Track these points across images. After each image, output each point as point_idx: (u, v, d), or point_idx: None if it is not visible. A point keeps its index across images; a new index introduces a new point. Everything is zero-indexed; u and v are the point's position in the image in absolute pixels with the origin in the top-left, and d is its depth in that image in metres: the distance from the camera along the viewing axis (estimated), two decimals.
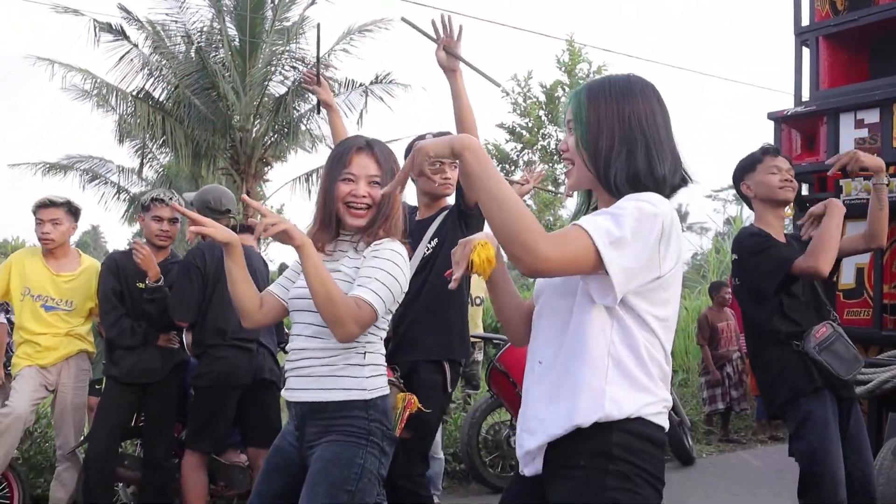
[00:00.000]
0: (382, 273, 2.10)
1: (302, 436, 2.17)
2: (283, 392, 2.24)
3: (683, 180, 1.59)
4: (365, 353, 2.15)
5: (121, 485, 3.99)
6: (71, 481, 3.89)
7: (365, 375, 2.13)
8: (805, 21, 4.11)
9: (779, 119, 4.01)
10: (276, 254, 18.68)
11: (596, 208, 1.65)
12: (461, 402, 6.92)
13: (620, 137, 1.53)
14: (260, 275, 3.80)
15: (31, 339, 3.92)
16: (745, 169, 3.08)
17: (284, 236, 1.97)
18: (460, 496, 5.02)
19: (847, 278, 3.90)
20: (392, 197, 2.20)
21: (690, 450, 5.94)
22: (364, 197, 2.17)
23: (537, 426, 1.55)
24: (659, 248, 1.44)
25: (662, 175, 1.53)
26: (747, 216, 15.90)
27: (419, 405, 2.48)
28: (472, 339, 6.75)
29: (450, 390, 3.05)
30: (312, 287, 1.98)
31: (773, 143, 3.34)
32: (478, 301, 7.15)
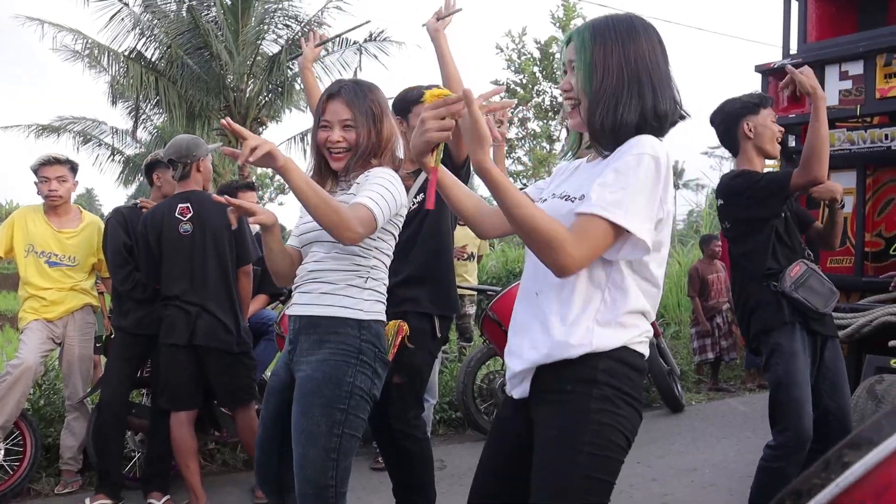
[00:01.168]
0: (376, 186, 2.17)
1: (294, 349, 2.27)
2: (288, 309, 2.35)
3: (681, 116, 1.65)
4: (367, 277, 2.24)
5: (129, 432, 4.13)
6: (80, 430, 4.04)
7: (364, 298, 2.22)
8: None
9: (766, 71, 4.08)
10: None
11: (587, 147, 1.72)
12: (456, 354, 7.08)
13: (628, 79, 1.57)
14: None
15: (36, 293, 4.03)
16: (749, 108, 3.06)
17: (268, 158, 1.93)
18: (457, 442, 5.20)
19: None
20: (376, 134, 2.28)
21: (680, 397, 6.11)
22: (339, 141, 2.27)
23: (527, 351, 1.64)
24: (660, 192, 1.52)
25: (665, 113, 1.59)
26: None
27: (408, 332, 2.57)
28: (465, 292, 6.91)
29: (439, 336, 3.14)
30: (306, 199, 1.97)
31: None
32: (465, 256, 7.26)
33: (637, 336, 1.61)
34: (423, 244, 3.09)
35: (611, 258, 1.57)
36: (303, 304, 2.26)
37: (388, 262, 2.35)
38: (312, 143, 2.35)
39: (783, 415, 2.87)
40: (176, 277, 3.61)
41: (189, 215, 3.62)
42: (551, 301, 1.61)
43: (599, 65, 1.57)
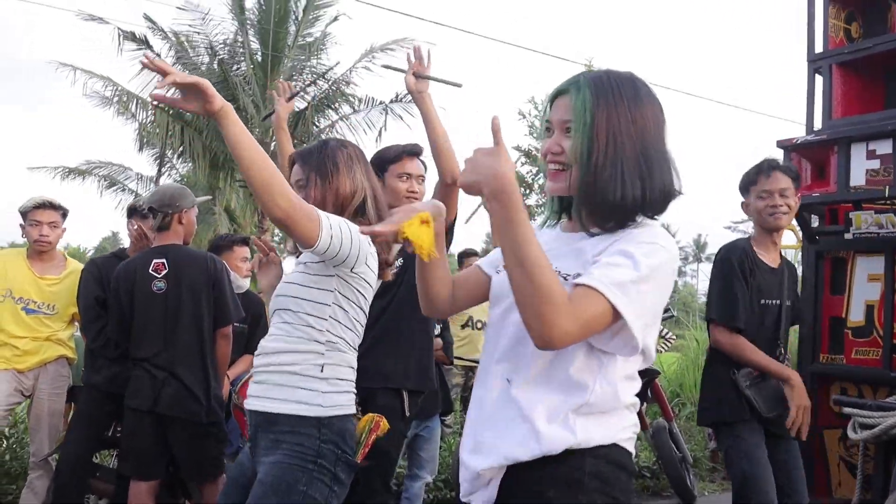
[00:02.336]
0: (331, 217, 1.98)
1: (254, 447, 2.07)
2: (245, 402, 2.14)
3: (679, 192, 1.46)
4: (322, 365, 2.02)
5: (92, 497, 3.88)
6: (42, 489, 3.80)
7: (322, 390, 2.00)
8: (819, 48, 3.98)
9: (788, 147, 3.87)
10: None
11: (568, 215, 1.52)
12: (458, 427, 6.77)
13: (634, 150, 1.37)
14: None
15: (9, 341, 3.85)
16: (743, 187, 3.10)
17: (199, 92, 1.69)
18: None
19: (856, 315, 3.73)
20: (330, 190, 2.13)
21: (692, 487, 5.74)
22: None
23: (493, 446, 1.41)
24: (666, 292, 1.38)
25: (669, 190, 1.42)
26: None
27: (386, 429, 2.32)
28: (472, 364, 6.64)
29: (408, 415, 2.90)
30: (241, 149, 1.74)
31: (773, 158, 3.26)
32: (479, 325, 7.02)
33: (626, 429, 1.42)
34: (397, 310, 2.88)
35: (596, 345, 1.36)
36: (258, 396, 2.05)
37: (354, 340, 2.13)
38: None
39: None
40: (146, 338, 3.37)
41: (164, 272, 3.38)
42: (529, 388, 1.40)
43: (603, 131, 1.36)
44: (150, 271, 3.39)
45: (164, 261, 3.40)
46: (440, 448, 5.52)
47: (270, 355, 2.06)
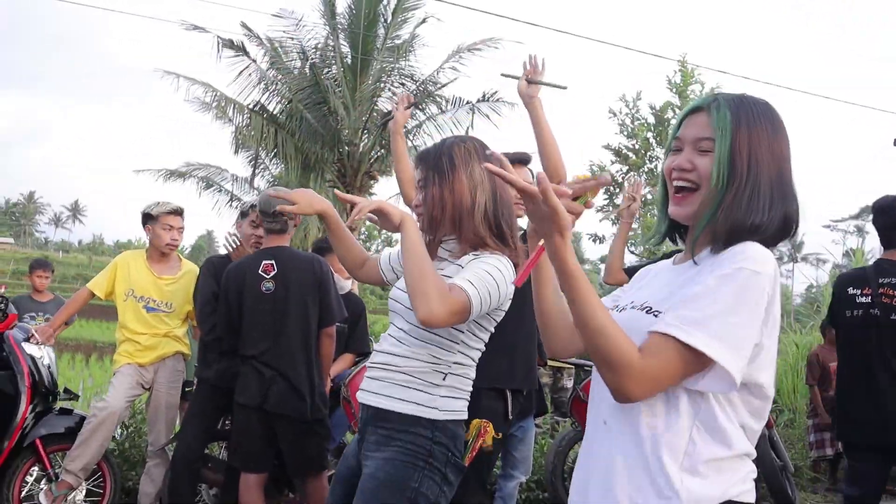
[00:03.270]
0: (482, 273, 1.95)
1: (362, 440, 2.09)
2: (358, 392, 2.17)
3: (797, 223, 1.38)
4: (446, 374, 2.02)
5: (204, 486, 4.07)
6: (159, 477, 4.00)
7: (440, 395, 2.01)
8: None
9: None
10: None
11: (681, 241, 1.47)
12: (549, 428, 6.75)
13: (772, 177, 1.31)
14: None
15: (132, 337, 4.07)
16: None
17: (382, 216, 1.93)
18: None
19: None
20: (449, 192, 2.04)
21: (794, 498, 5.54)
22: (417, 205, 2.13)
23: (599, 498, 1.35)
24: (760, 313, 1.25)
25: (792, 219, 1.34)
26: (870, 249, 14.91)
27: (494, 435, 2.34)
28: (563, 364, 6.60)
29: (510, 418, 2.91)
30: (407, 258, 1.89)
31: None
32: None
33: (741, 481, 1.30)
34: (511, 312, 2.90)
35: (690, 387, 1.27)
36: (372, 391, 2.07)
37: (478, 355, 2.13)
38: None
39: None
40: (255, 337, 3.51)
41: (273, 273, 3.51)
42: (626, 435, 1.32)
43: (744, 152, 1.30)
44: (259, 272, 3.52)
45: (273, 262, 3.53)
46: (535, 449, 5.53)
47: (392, 356, 2.05)
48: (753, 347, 1.25)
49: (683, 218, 1.38)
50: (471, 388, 2.12)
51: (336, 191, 1.82)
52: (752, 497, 1.32)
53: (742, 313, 1.22)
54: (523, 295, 2.92)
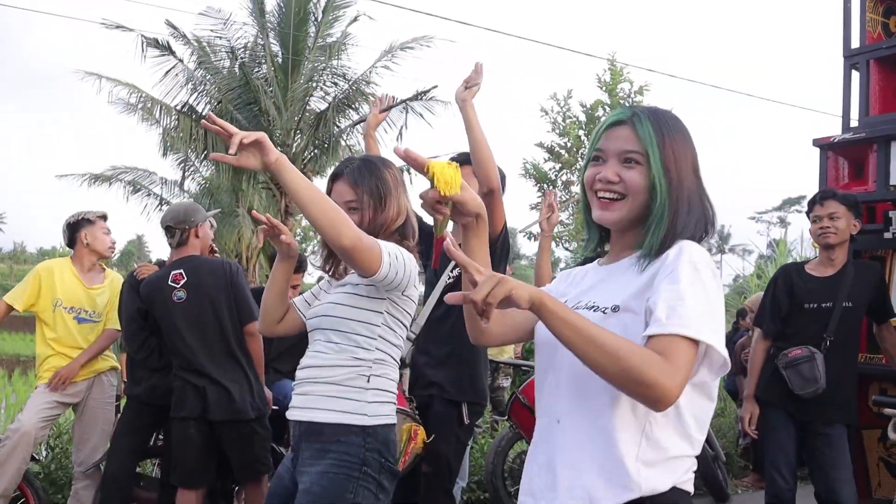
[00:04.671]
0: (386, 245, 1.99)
1: (297, 457, 2.10)
2: (287, 412, 2.18)
3: (714, 223, 1.49)
4: (369, 376, 2.06)
5: None
6: (88, 499, 3.86)
7: (367, 400, 2.04)
8: (855, 43, 3.92)
9: (825, 146, 3.83)
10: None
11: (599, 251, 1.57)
12: (488, 427, 6.77)
13: (696, 186, 1.44)
14: None
15: (63, 351, 3.90)
16: (808, 212, 3.51)
17: (259, 148, 1.73)
18: None
19: None
20: (382, 213, 2.15)
21: (725, 486, 5.70)
22: None
23: (562, 495, 1.38)
24: (722, 302, 1.37)
25: (713, 223, 1.47)
26: (792, 239, 15.47)
27: (424, 438, 2.35)
28: (501, 364, 6.65)
29: (467, 423, 2.92)
30: (300, 194, 1.77)
31: (826, 187, 3.78)
32: None
33: (686, 471, 1.37)
34: (455, 324, 2.91)
35: (694, 380, 1.35)
36: (303, 407, 2.09)
37: (397, 354, 2.16)
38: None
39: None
40: (177, 348, 3.48)
41: (182, 282, 3.51)
42: (583, 432, 1.36)
43: (671, 163, 1.40)
44: (169, 283, 3.51)
45: (181, 271, 3.53)
46: (472, 450, 5.54)
47: (313, 369, 2.09)
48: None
49: (610, 223, 1.46)
50: (395, 393, 2.14)
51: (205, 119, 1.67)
52: (691, 487, 1.40)
53: (715, 304, 1.32)
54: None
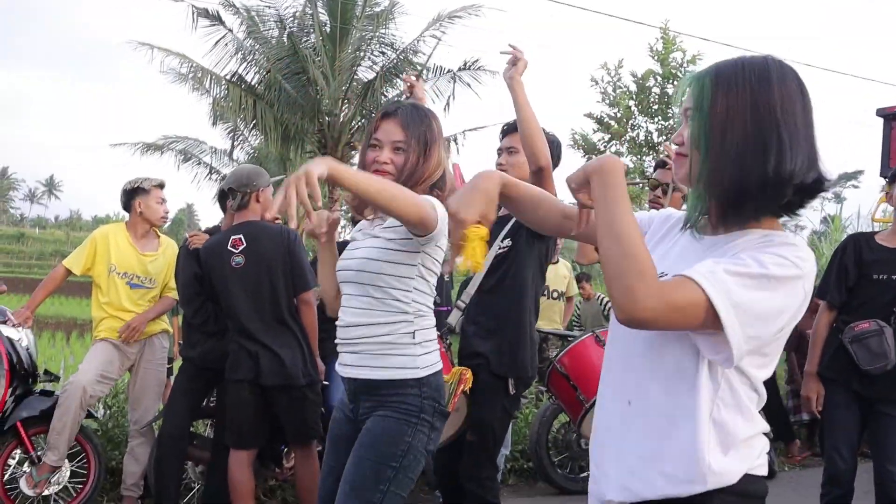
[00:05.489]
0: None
1: (356, 409, 2.19)
2: (336, 365, 2.25)
3: (819, 182, 1.30)
4: (414, 331, 2.12)
5: (190, 463, 4.07)
6: (143, 456, 3.99)
7: (416, 354, 2.12)
8: None
9: (889, 116, 3.70)
10: None
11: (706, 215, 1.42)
12: (533, 398, 6.79)
13: (753, 132, 1.27)
14: None
15: (116, 314, 4.01)
16: (891, 177, 3.45)
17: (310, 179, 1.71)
18: (526, 495, 4.92)
19: None
20: (424, 162, 2.16)
21: (772, 462, 5.64)
22: (386, 163, 2.15)
23: (625, 479, 1.36)
24: (788, 322, 1.25)
25: (791, 171, 1.26)
26: (847, 215, 15.01)
27: (471, 380, 2.39)
28: (548, 334, 6.61)
29: (512, 392, 2.94)
30: (365, 191, 1.83)
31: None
32: (555, 295, 6.98)
33: (758, 456, 1.34)
34: (504, 295, 2.96)
35: (701, 348, 1.28)
36: (355, 366, 2.15)
37: (431, 302, 2.21)
38: (360, 161, 2.24)
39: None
40: (233, 312, 3.52)
41: (241, 247, 3.51)
42: (649, 419, 1.34)
43: (721, 115, 1.29)
44: (228, 247, 3.53)
45: (241, 236, 3.53)
46: (517, 419, 5.57)
47: (360, 328, 2.14)
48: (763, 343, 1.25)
49: (681, 180, 1.39)
50: (436, 339, 2.21)
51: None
52: (765, 470, 1.35)
53: (773, 297, 1.22)
54: (521, 277, 2.96)
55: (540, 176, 2.79)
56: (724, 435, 1.30)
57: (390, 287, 2.10)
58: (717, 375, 1.30)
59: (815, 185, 1.30)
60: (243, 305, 3.49)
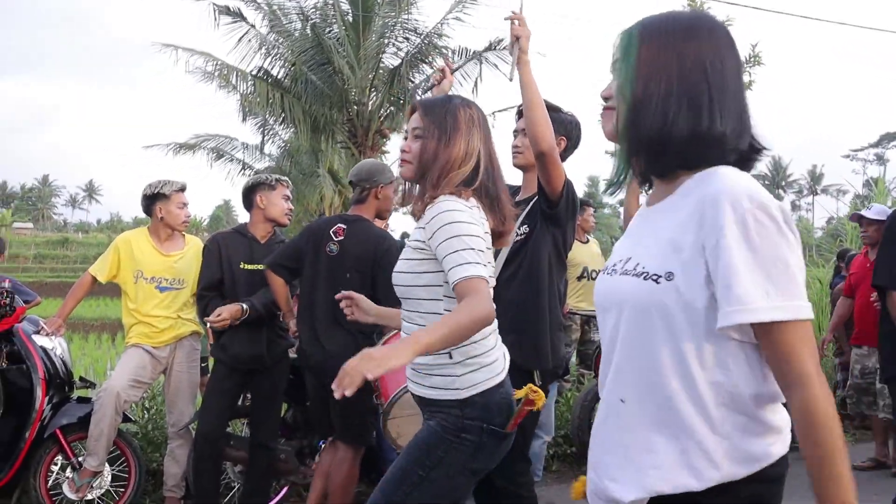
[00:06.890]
0: (453, 240, 1.94)
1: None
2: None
3: (754, 149, 1.29)
4: (451, 351, 2.01)
5: (228, 463, 4.06)
6: (183, 457, 4.00)
7: (456, 374, 2.03)
8: None
9: None
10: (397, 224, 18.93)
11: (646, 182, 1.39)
12: (574, 381, 6.68)
13: (679, 84, 1.25)
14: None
15: (146, 320, 4.00)
16: None
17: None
18: (570, 481, 4.83)
19: None
20: (444, 148, 2.08)
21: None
22: (405, 151, 2.14)
23: (629, 475, 1.27)
24: (791, 249, 1.19)
25: (722, 133, 1.24)
26: (891, 178, 14.51)
27: (540, 405, 2.22)
28: (591, 316, 6.50)
29: (539, 384, 2.84)
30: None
31: None
32: (594, 275, 6.85)
33: (780, 438, 1.24)
34: (521, 286, 2.84)
35: (671, 311, 1.21)
36: (412, 380, 2.17)
37: None
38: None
39: None
40: (308, 298, 3.49)
41: (341, 237, 3.47)
42: (648, 411, 1.25)
43: (645, 66, 1.27)
44: (330, 232, 3.49)
45: (345, 227, 3.49)
46: (558, 403, 5.48)
47: None
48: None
49: (607, 135, 1.38)
50: (486, 352, 2.08)
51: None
52: (786, 448, 1.25)
53: (784, 260, 1.17)
54: (538, 266, 2.85)
55: (543, 160, 2.66)
56: (741, 415, 1.22)
57: (418, 298, 2.07)
58: (724, 345, 1.21)
59: (750, 152, 1.29)
60: (318, 295, 3.43)
